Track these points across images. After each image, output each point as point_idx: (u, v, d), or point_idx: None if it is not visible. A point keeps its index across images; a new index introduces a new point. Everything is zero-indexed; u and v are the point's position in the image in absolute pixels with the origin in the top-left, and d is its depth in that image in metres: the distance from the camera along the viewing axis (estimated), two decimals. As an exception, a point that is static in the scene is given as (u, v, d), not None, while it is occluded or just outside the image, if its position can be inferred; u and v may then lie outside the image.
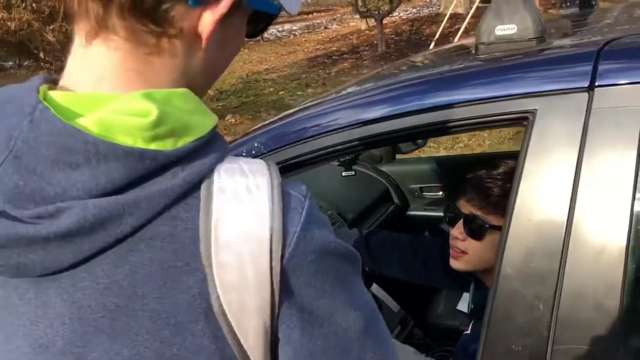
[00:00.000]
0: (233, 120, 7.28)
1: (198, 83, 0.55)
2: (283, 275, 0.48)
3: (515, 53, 1.05)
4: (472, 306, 1.31)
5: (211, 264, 0.47)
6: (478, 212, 1.27)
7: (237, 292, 0.47)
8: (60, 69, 0.54)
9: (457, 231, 1.31)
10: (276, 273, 0.48)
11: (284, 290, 0.49)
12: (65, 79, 0.52)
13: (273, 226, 0.48)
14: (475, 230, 1.26)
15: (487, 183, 1.27)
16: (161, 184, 0.47)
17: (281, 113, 1.40)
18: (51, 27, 6.47)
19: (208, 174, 0.49)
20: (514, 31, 1.04)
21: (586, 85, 0.90)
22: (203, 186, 0.49)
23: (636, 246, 0.86)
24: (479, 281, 1.34)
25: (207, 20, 0.51)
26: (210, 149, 0.51)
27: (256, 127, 1.39)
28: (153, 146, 0.47)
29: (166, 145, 0.48)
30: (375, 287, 1.77)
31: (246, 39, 0.60)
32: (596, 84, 0.89)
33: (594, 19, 1.30)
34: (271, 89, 8.63)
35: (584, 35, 1.15)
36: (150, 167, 0.46)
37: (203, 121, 0.51)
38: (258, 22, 0.58)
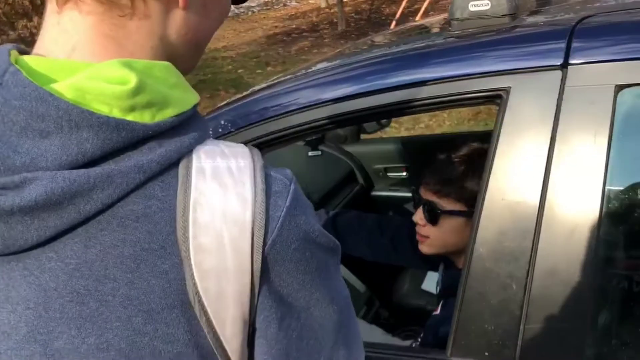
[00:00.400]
0: (190, 98, 7.07)
1: (180, 53, 0.52)
2: (264, 262, 0.46)
3: (488, 30, 1.04)
4: (441, 286, 1.31)
5: (188, 247, 0.44)
6: (433, 197, 1.27)
7: (216, 278, 0.44)
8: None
9: (418, 217, 1.32)
10: (257, 259, 0.45)
11: (264, 278, 0.46)
12: (37, 49, 0.48)
13: (255, 209, 0.45)
14: (432, 215, 1.27)
15: (441, 167, 1.27)
16: (136, 159, 0.43)
17: (240, 91, 1.35)
18: (-5, -1, 6.13)
19: (187, 153, 0.46)
20: (487, 7, 1.03)
21: (560, 63, 0.89)
22: (181, 165, 0.45)
23: (608, 225, 0.87)
24: (449, 261, 1.34)
25: None
26: (190, 127, 0.47)
27: (220, 104, 1.34)
28: (130, 117, 0.43)
29: (144, 118, 0.44)
30: (340, 268, 1.75)
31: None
32: (569, 61, 0.89)
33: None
34: (229, 67, 8.44)
35: (557, 13, 1.15)
36: (125, 139, 0.43)
37: (184, 96, 0.48)
38: None
